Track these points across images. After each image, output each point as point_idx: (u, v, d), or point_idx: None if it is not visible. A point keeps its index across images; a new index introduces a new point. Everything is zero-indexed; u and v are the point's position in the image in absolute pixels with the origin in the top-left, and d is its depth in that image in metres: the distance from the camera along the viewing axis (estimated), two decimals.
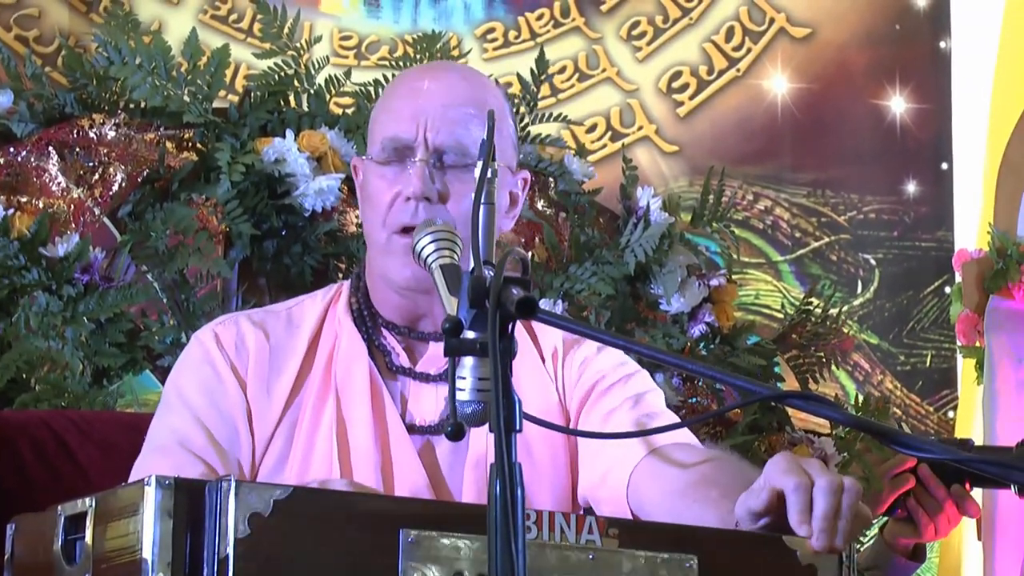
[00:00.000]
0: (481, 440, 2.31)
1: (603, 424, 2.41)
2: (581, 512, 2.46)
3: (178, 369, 2.46)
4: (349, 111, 3.57)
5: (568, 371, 2.48)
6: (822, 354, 3.79)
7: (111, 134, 3.36)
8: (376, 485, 2.33)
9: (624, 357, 2.52)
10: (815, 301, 3.90)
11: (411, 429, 2.39)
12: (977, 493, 3.69)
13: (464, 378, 1.88)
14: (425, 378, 2.43)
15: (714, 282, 3.66)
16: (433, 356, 2.44)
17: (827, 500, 1.92)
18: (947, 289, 5.69)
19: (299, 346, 2.44)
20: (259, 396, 2.39)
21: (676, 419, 2.46)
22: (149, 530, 1.71)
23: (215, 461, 2.32)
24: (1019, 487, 3.10)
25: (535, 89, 3.66)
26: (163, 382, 3.26)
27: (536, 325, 2.50)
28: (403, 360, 2.44)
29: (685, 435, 2.40)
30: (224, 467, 2.33)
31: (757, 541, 1.97)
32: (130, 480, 2.30)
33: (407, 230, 2.38)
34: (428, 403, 2.42)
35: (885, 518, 3.61)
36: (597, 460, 2.38)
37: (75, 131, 3.35)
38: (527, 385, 2.44)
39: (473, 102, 2.42)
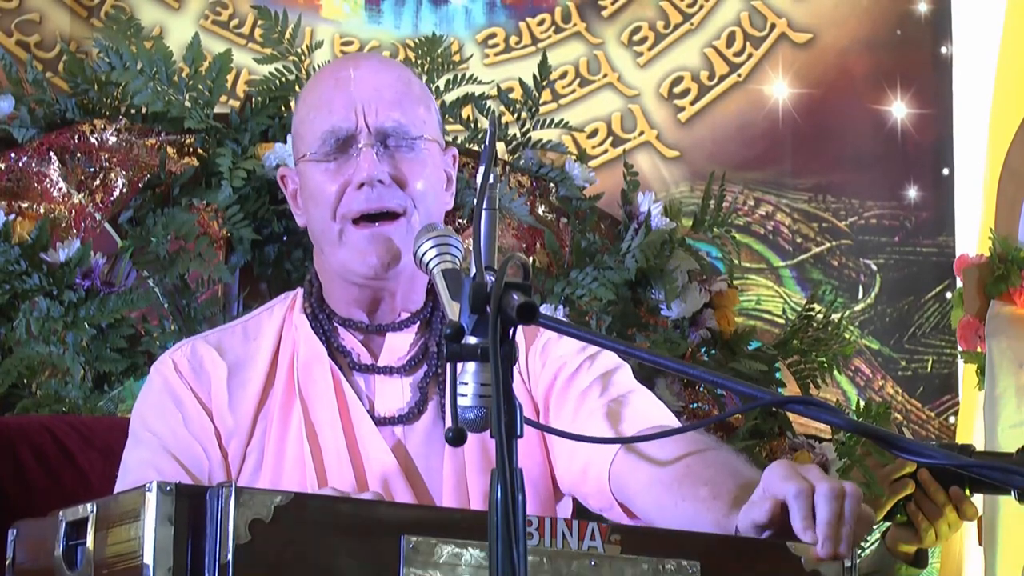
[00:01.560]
0: None
1: (576, 411, 2.39)
2: (565, 510, 2.46)
3: (141, 401, 2.45)
4: None
5: (532, 360, 2.46)
6: (823, 359, 3.78)
7: (112, 139, 3.36)
8: (348, 482, 2.33)
9: None
10: (816, 306, 3.90)
11: (380, 422, 2.39)
12: (978, 499, 3.68)
13: (466, 384, 1.88)
14: (388, 371, 2.42)
15: (715, 287, 3.65)
16: (392, 348, 2.43)
17: (830, 506, 1.91)
18: (948, 294, 5.69)
19: (259, 357, 2.43)
20: (225, 416, 2.39)
21: (647, 395, 2.43)
22: (150, 536, 1.71)
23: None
24: (1019, 493, 3.10)
25: (536, 94, 3.66)
26: None
27: None
28: (364, 358, 2.43)
29: (661, 417, 2.37)
30: None
31: (761, 547, 1.96)
32: None
33: (362, 219, 2.38)
34: (394, 394, 2.42)
35: (887, 524, 3.61)
36: (575, 454, 2.36)
37: (76, 136, 3.35)
38: None
39: (400, 81, 2.44)
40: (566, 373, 2.43)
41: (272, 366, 2.43)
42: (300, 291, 2.51)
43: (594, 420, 2.36)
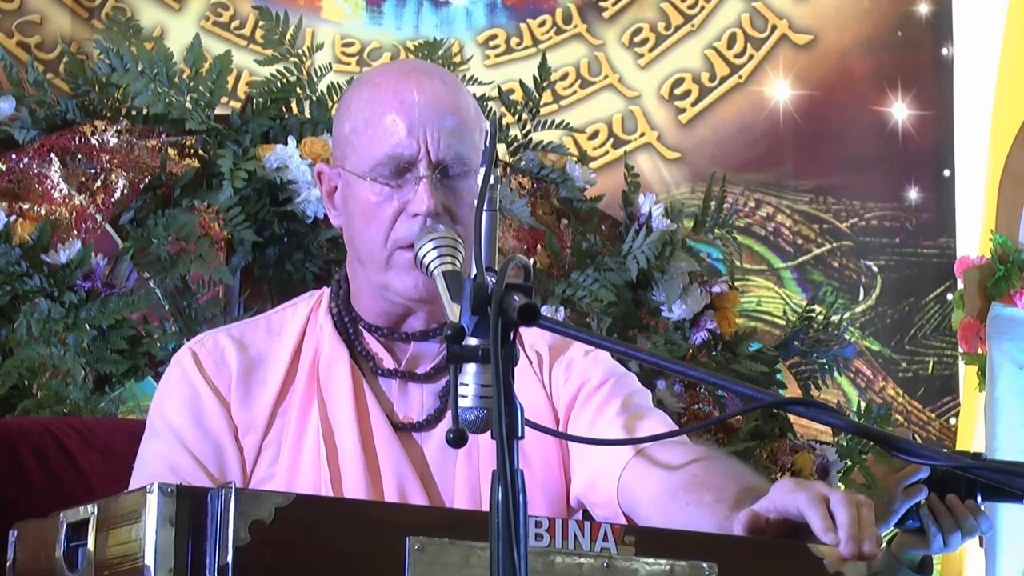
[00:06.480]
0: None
1: (591, 427, 2.41)
2: (577, 516, 2.46)
3: (160, 392, 2.46)
4: None
5: (556, 373, 2.48)
6: (824, 361, 3.78)
7: (113, 141, 3.35)
8: (363, 486, 2.33)
9: (611, 359, 2.51)
10: (817, 308, 3.90)
11: (398, 428, 2.40)
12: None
13: (467, 385, 1.88)
14: (411, 377, 2.43)
15: (716, 289, 3.65)
16: (417, 355, 2.44)
17: (848, 510, 1.91)
18: (949, 296, 5.69)
19: (282, 353, 2.44)
20: (243, 411, 2.39)
21: (664, 418, 2.44)
22: (151, 537, 1.71)
23: (204, 484, 2.30)
24: None
25: (537, 96, 3.66)
26: None
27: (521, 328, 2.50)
28: (388, 362, 2.44)
29: (676, 438, 2.37)
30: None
31: (781, 549, 1.94)
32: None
33: (410, 244, 2.37)
34: (414, 401, 2.43)
35: (896, 531, 3.60)
36: (587, 463, 2.38)
37: (77, 138, 3.34)
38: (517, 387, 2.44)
39: (462, 108, 2.42)
40: (588, 388, 2.45)
41: (294, 363, 2.43)
42: (326, 291, 2.51)
43: (610, 433, 2.37)
